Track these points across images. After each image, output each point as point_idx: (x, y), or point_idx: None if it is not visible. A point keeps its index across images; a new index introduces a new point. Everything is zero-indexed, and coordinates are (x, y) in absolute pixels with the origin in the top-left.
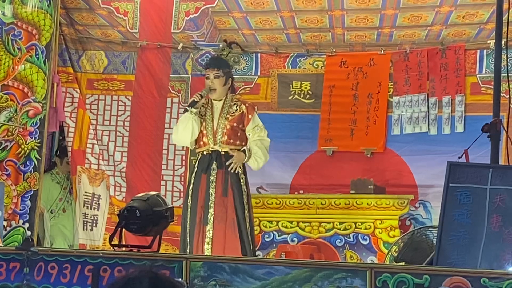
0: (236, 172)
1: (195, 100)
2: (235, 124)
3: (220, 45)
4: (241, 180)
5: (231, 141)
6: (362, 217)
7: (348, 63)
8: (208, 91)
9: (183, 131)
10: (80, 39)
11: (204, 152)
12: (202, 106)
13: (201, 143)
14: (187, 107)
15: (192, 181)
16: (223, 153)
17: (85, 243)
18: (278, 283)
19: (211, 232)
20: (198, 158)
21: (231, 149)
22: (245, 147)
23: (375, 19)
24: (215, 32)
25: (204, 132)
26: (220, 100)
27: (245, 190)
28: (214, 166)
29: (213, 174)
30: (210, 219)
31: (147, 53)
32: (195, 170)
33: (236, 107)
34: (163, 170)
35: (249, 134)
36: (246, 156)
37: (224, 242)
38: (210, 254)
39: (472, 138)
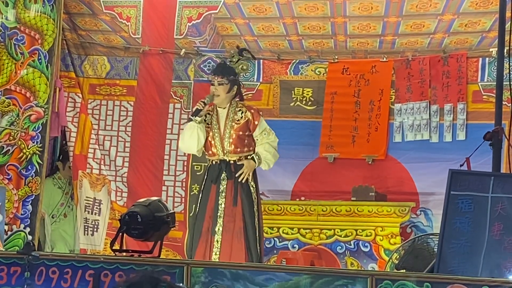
0: (246, 180)
1: (199, 108)
2: (240, 133)
3: (231, 51)
4: (251, 188)
5: (238, 149)
6: (363, 224)
7: (350, 70)
8: (211, 98)
9: (189, 139)
10: (83, 44)
11: (213, 161)
12: (208, 113)
13: (210, 152)
14: (191, 117)
15: (202, 189)
16: (232, 162)
17: (86, 248)
18: None
19: (219, 242)
20: (208, 166)
21: (239, 158)
22: (253, 155)
23: (378, 27)
24: (218, 38)
25: (212, 142)
26: (224, 108)
27: (255, 197)
28: (223, 176)
29: (223, 184)
30: (219, 229)
31: (149, 59)
32: (205, 179)
33: (241, 114)
34: (165, 176)
35: (257, 139)
36: (256, 162)
37: (230, 252)
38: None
39: (474, 146)
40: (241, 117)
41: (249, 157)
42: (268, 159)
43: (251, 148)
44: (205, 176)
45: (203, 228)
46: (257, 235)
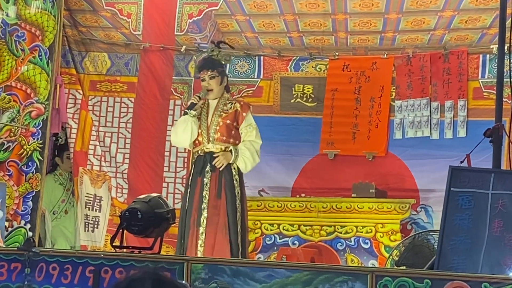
0: (230, 173)
1: (194, 102)
2: (228, 121)
3: (210, 46)
4: (235, 182)
5: (224, 138)
6: (363, 220)
7: (350, 67)
8: (205, 92)
9: (182, 133)
10: (83, 41)
11: (199, 152)
12: (200, 106)
13: (197, 142)
14: (186, 110)
15: (189, 183)
16: (216, 154)
17: (87, 244)
18: (279, 286)
19: (203, 235)
20: (195, 159)
21: (225, 149)
22: (231, 147)
23: (378, 23)
24: (218, 35)
25: (199, 131)
26: (215, 99)
27: (239, 192)
28: (208, 168)
29: (207, 177)
30: (203, 221)
31: (150, 55)
32: (192, 172)
33: (231, 105)
34: (165, 172)
35: (241, 133)
36: (232, 155)
37: (214, 245)
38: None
39: (474, 142)
40: (230, 108)
41: (227, 149)
42: (246, 156)
43: (237, 142)
44: (192, 170)
45: (191, 221)
46: (238, 229)
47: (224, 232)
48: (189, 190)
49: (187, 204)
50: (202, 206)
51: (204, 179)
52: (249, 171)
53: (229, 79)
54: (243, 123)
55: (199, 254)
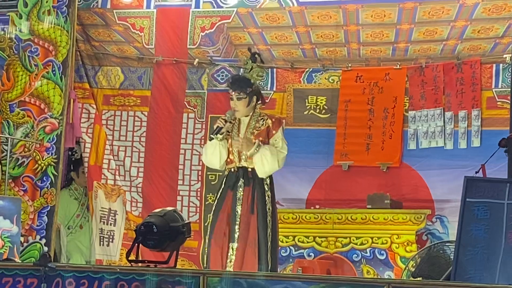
0: (262, 189)
1: (220, 126)
2: (260, 139)
3: (244, 58)
4: (266, 198)
5: None
6: (378, 232)
7: (363, 78)
8: (232, 113)
9: (211, 156)
10: (96, 55)
11: (232, 169)
12: (230, 122)
13: (228, 160)
14: (212, 136)
15: (218, 196)
16: (250, 169)
17: (102, 259)
18: None
19: (234, 249)
20: (226, 175)
21: None
22: (258, 140)
23: (391, 34)
24: (231, 48)
25: (230, 149)
26: (247, 116)
27: (270, 208)
28: (241, 183)
29: (240, 191)
30: (235, 236)
31: (163, 69)
32: (222, 186)
33: (263, 121)
34: (179, 186)
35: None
36: (253, 148)
37: (242, 261)
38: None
39: (489, 152)
40: (262, 124)
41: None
42: (266, 158)
43: None
44: (222, 184)
45: (218, 234)
46: (268, 245)
47: (253, 248)
48: (216, 203)
49: (212, 217)
50: (235, 221)
51: (237, 194)
52: (267, 175)
53: None
54: (271, 139)
55: (228, 269)
